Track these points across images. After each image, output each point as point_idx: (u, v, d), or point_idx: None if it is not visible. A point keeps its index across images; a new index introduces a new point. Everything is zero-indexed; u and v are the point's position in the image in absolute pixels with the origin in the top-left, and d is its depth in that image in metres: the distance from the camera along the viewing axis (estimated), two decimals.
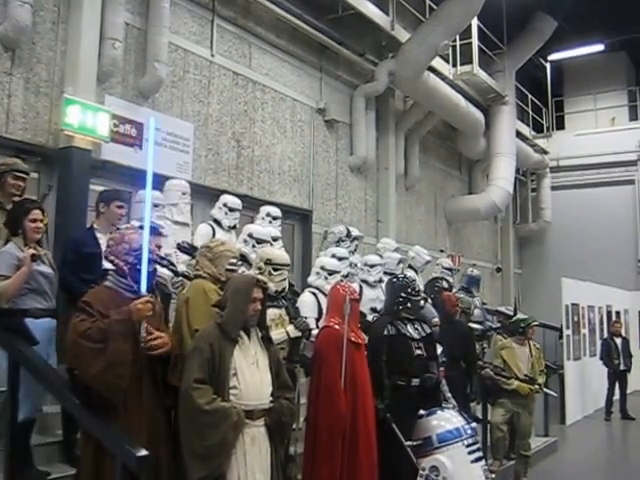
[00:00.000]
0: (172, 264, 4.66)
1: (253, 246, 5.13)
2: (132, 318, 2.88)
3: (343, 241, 6.63)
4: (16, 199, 4.08)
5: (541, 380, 6.23)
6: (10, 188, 4.11)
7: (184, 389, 2.96)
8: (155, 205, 4.98)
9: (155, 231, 4.01)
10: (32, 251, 3.65)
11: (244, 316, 3.16)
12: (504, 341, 6.31)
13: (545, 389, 6.50)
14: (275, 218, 6.00)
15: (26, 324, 3.60)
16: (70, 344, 2.87)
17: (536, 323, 6.45)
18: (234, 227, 5.63)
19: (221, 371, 3.04)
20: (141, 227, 3.27)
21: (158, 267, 4.51)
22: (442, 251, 11.97)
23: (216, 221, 5.63)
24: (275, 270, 4.14)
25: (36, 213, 3.78)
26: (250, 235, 5.23)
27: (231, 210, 5.63)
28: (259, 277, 3.45)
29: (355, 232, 7.09)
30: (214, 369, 3.03)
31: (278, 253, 4.42)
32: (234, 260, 3.86)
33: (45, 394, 3.67)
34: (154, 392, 3.00)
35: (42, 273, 3.77)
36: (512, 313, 6.73)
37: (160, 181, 5.68)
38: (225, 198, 5.78)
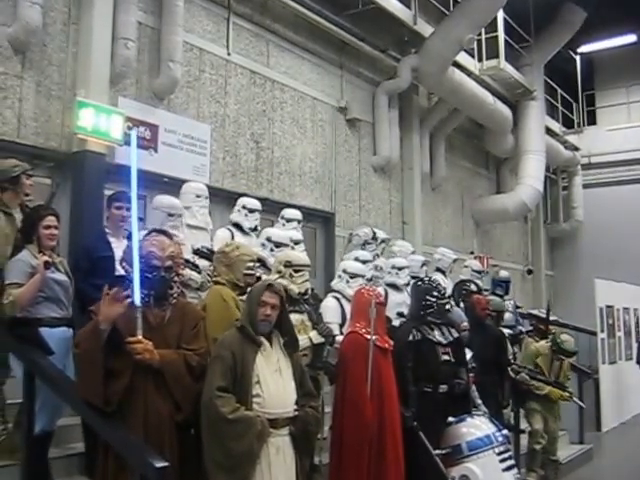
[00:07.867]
0: (196, 266, 4.60)
1: (271, 250, 5.00)
2: (98, 321, 2.77)
3: (369, 244, 6.45)
4: (27, 203, 4.08)
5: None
6: (26, 189, 4.10)
7: (207, 398, 2.89)
8: (170, 215, 4.81)
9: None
10: (45, 258, 3.60)
11: (254, 320, 3.10)
12: (537, 346, 6.30)
13: (574, 398, 6.48)
14: (289, 220, 5.82)
15: (41, 334, 3.54)
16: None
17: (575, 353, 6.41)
18: (255, 229, 5.53)
19: (244, 379, 2.98)
20: (150, 232, 3.16)
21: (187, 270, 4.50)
22: (472, 253, 11.79)
23: (235, 225, 5.51)
24: (296, 272, 4.10)
25: (50, 219, 3.73)
26: (268, 239, 5.12)
27: (251, 211, 5.54)
28: (274, 282, 3.37)
29: (382, 234, 6.94)
30: (236, 377, 2.97)
31: (297, 254, 4.39)
32: (251, 264, 3.78)
33: (63, 406, 3.60)
34: (157, 400, 2.87)
35: (57, 281, 3.70)
36: (545, 316, 6.60)
37: (177, 185, 5.62)
38: (243, 200, 5.70)
